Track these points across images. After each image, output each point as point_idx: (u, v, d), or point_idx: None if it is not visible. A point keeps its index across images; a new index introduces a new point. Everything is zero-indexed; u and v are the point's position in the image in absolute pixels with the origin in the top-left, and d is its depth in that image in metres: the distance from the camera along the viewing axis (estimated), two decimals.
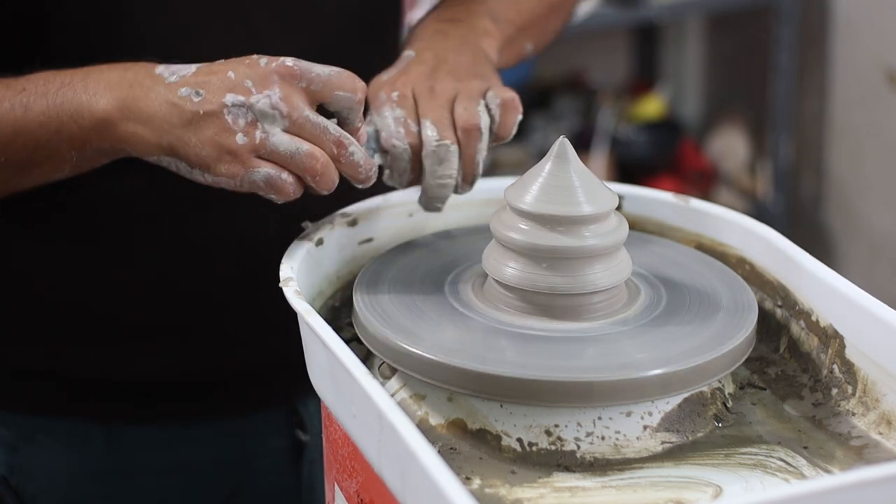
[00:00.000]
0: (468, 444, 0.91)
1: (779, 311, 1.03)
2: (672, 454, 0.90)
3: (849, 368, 0.96)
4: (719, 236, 1.09)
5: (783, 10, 3.10)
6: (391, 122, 1.05)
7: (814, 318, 0.99)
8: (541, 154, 1.03)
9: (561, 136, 0.98)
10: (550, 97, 3.32)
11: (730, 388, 0.97)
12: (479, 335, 0.94)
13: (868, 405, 0.94)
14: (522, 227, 0.95)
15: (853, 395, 0.95)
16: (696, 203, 1.11)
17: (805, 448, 0.91)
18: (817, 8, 3.12)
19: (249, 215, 1.13)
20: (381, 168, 1.05)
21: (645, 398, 0.90)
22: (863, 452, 0.91)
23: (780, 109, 3.16)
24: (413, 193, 1.12)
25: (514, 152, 3.35)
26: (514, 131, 1.07)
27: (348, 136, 0.98)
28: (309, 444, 1.25)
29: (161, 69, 0.98)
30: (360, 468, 0.90)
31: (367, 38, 1.22)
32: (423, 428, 0.92)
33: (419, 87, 1.07)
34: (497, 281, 0.97)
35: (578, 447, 0.90)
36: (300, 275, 0.99)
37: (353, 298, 0.99)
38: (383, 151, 1.05)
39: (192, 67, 0.98)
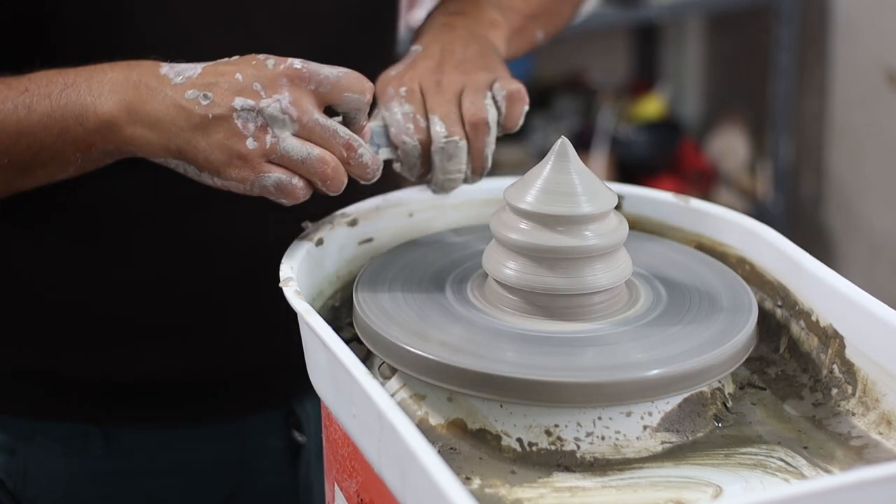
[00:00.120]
0: (468, 444, 0.91)
1: (779, 311, 1.03)
2: (672, 454, 0.90)
3: (849, 368, 0.96)
4: (719, 236, 1.09)
5: (783, 10, 3.10)
6: (400, 118, 1.05)
7: (814, 318, 0.99)
8: (541, 154, 1.03)
9: (561, 136, 0.98)
10: (550, 97, 3.32)
11: (730, 388, 0.97)
12: (480, 335, 0.94)
13: (868, 405, 0.94)
14: (522, 227, 0.95)
15: (853, 395, 0.95)
16: (696, 203, 1.11)
17: (805, 448, 0.91)
18: (817, 8, 3.12)
19: (249, 215, 1.13)
20: (389, 161, 1.05)
21: (645, 398, 0.90)
22: (863, 452, 0.91)
23: (780, 109, 3.16)
24: (413, 193, 1.12)
25: (514, 152, 3.34)
26: (520, 122, 1.08)
27: (357, 137, 0.98)
28: (306, 444, 1.25)
29: (166, 69, 0.98)
30: (360, 468, 0.90)
31: (366, 36, 1.22)
32: (423, 428, 0.92)
33: (426, 81, 1.07)
34: (497, 281, 0.97)
35: (578, 447, 0.90)
36: (300, 275, 0.99)
37: (353, 298, 0.99)
38: (393, 146, 1.05)
39: (198, 68, 0.97)
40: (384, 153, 1.04)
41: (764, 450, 0.90)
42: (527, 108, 1.08)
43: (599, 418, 0.90)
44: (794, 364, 1.01)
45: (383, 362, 0.96)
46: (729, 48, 3.47)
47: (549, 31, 1.27)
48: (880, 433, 0.92)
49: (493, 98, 1.07)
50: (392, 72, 1.10)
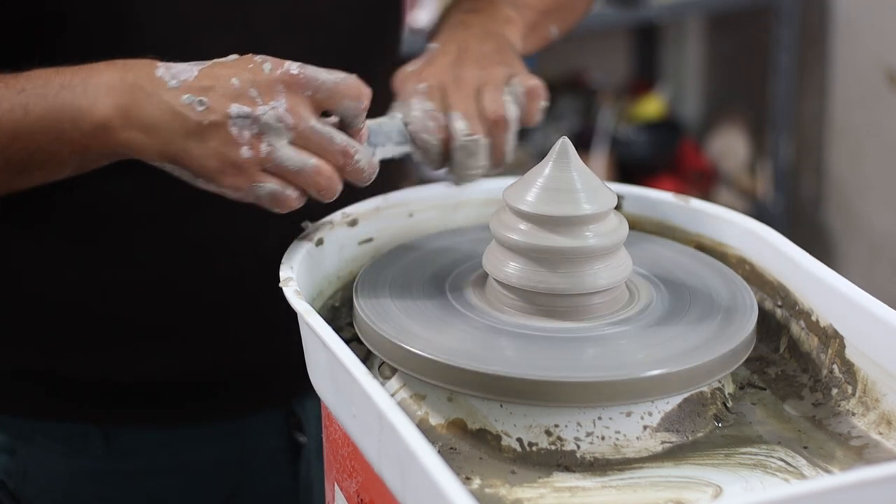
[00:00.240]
0: (468, 444, 0.91)
1: (779, 311, 1.03)
2: (672, 454, 0.90)
3: (849, 368, 0.96)
4: (719, 236, 1.09)
5: (783, 10, 3.10)
6: (420, 114, 1.05)
7: (814, 318, 0.99)
8: (541, 154, 1.03)
9: (562, 136, 0.98)
10: (550, 97, 3.32)
11: (730, 388, 0.97)
12: (479, 335, 0.94)
13: (868, 405, 0.94)
14: (522, 227, 0.95)
15: (853, 395, 0.95)
16: (696, 203, 1.11)
17: (805, 448, 0.91)
18: (817, 8, 3.12)
19: (249, 216, 1.13)
20: (388, 160, 1.04)
21: (645, 398, 0.90)
22: (863, 452, 0.91)
23: (780, 109, 3.16)
24: (413, 193, 1.12)
25: (514, 152, 3.34)
26: (538, 118, 1.09)
27: (354, 143, 0.97)
28: (306, 444, 1.25)
29: (162, 71, 0.96)
30: (360, 468, 0.90)
31: (368, 37, 1.22)
32: (423, 428, 0.92)
33: (445, 77, 1.08)
34: (497, 281, 0.97)
35: (578, 447, 0.90)
36: (300, 275, 0.99)
37: (353, 298, 0.99)
38: (413, 143, 1.05)
39: (194, 70, 0.96)
40: (381, 152, 1.04)
41: (764, 450, 0.90)
42: (545, 103, 1.09)
43: (599, 418, 0.90)
44: (794, 364, 1.01)
45: (383, 362, 0.96)
46: (729, 48, 3.47)
47: (563, 27, 1.28)
48: (880, 433, 0.92)
49: (512, 93, 1.07)
50: (410, 68, 1.11)
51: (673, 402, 0.92)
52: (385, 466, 0.84)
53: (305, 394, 1.20)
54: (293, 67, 0.96)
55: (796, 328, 1.01)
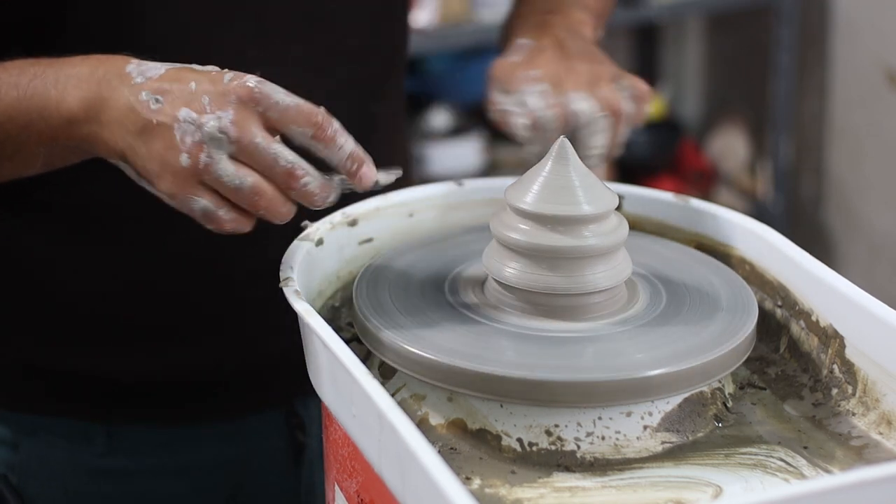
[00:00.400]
0: (468, 444, 0.91)
1: (779, 311, 1.03)
2: (672, 454, 0.90)
3: (849, 368, 0.96)
4: (719, 236, 1.09)
5: (783, 10, 3.10)
6: (536, 95, 1.05)
7: (814, 318, 0.99)
8: (532, 156, 1.04)
9: (561, 136, 0.98)
10: None
11: (730, 388, 0.97)
12: (479, 335, 0.94)
13: (868, 405, 0.94)
14: (522, 227, 0.95)
15: (853, 395, 0.95)
16: (696, 203, 1.11)
17: (805, 448, 0.91)
18: (817, 8, 3.12)
19: None
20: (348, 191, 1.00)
21: (645, 398, 0.90)
22: (863, 452, 0.91)
23: (780, 109, 3.16)
24: (413, 193, 1.12)
25: (514, 152, 3.34)
26: (641, 122, 1.11)
27: (303, 165, 0.93)
28: (308, 445, 1.25)
29: (132, 67, 0.95)
30: (360, 468, 0.90)
31: (378, 35, 1.22)
32: (423, 428, 0.92)
33: (557, 67, 1.08)
34: (497, 281, 0.97)
35: (578, 447, 0.90)
36: (300, 275, 0.99)
37: (353, 298, 0.99)
38: (531, 126, 1.05)
39: (162, 69, 0.95)
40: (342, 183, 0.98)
41: (764, 450, 0.90)
42: (649, 109, 1.10)
43: (599, 418, 0.90)
44: (794, 364, 1.01)
45: (383, 362, 0.96)
46: (729, 48, 3.47)
47: (602, 30, 1.29)
48: (880, 433, 0.92)
49: (623, 91, 1.09)
50: (513, 59, 1.11)
51: (673, 402, 0.92)
52: (385, 466, 0.84)
53: (308, 394, 1.20)
54: (251, 81, 0.93)
55: (796, 328, 1.01)
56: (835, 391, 0.96)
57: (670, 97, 3.47)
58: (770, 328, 1.03)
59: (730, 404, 0.96)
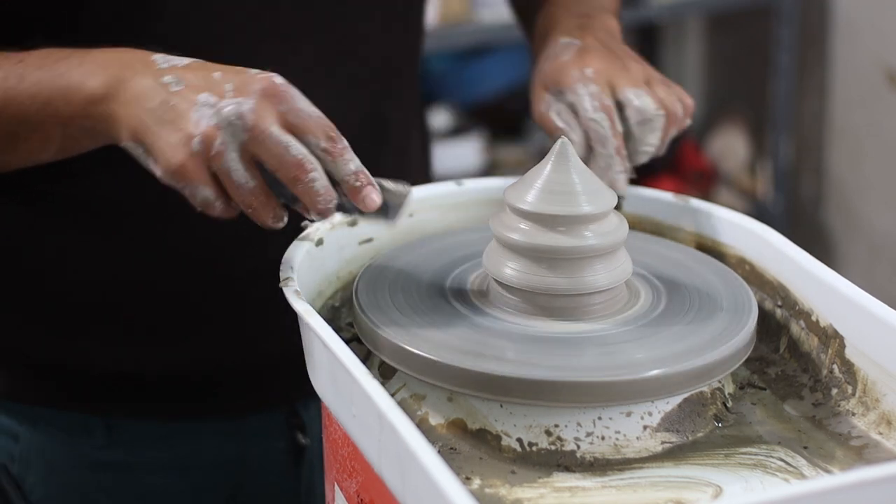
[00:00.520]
0: (468, 444, 0.91)
1: (779, 311, 1.03)
2: (672, 454, 0.90)
3: (849, 368, 0.96)
4: (719, 236, 1.09)
5: (783, 10, 3.10)
6: (587, 98, 1.06)
7: (814, 318, 0.99)
8: (541, 154, 1.03)
9: (561, 136, 0.98)
10: None
11: (730, 388, 0.97)
12: (480, 335, 0.94)
13: (868, 405, 0.94)
14: (522, 227, 0.95)
15: (853, 395, 0.95)
16: (696, 203, 1.11)
17: (805, 448, 0.91)
18: (817, 8, 3.12)
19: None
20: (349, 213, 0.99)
21: (645, 398, 0.90)
22: (863, 452, 0.91)
23: (780, 109, 3.16)
24: (413, 193, 1.12)
25: (514, 152, 3.35)
26: (681, 131, 1.12)
27: (313, 160, 0.93)
28: (309, 446, 1.25)
29: (157, 56, 0.96)
30: (360, 468, 0.90)
31: (395, 35, 1.22)
32: (423, 428, 0.92)
33: (611, 64, 1.09)
34: (497, 281, 0.97)
35: (578, 447, 0.90)
36: (300, 275, 0.99)
37: (353, 298, 0.99)
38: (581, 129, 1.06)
39: (187, 60, 0.96)
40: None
41: (764, 450, 0.90)
42: (689, 122, 1.12)
43: (599, 418, 0.90)
44: (794, 364, 1.01)
45: (383, 362, 0.96)
46: (729, 48, 3.47)
47: None
48: (880, 433, 0.92)
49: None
50: (564, 58, 1.11)
51: (673, 402, 0.92)
52: (385, 466, 0.84)
53: (309, 395, 1.20)
54: (277, 78, 0.93)
55: (796, 328, 1.01)
56: (835, 391, 0.96)
57: None
58: (770, 328, 1.03)
59: (730, 404, 0.96)
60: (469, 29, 2.96)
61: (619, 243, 0.96)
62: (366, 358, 0.97)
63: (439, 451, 0.88)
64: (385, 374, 0.97)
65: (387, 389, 0.93)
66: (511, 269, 0.96)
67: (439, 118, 3.23)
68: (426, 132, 1.39)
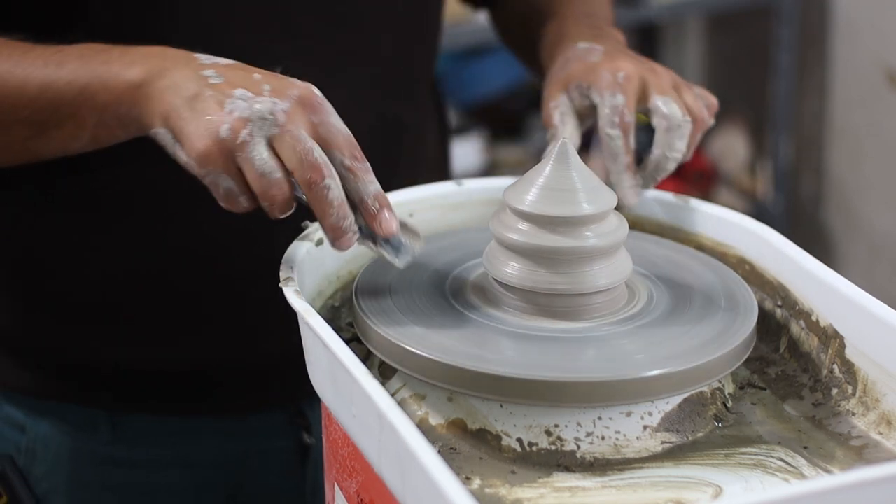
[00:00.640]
0: (468, 444, 0.91)
1: (779, 311, 1.03)
2: (672, 454, 0.90)
3: (849, 368, 0.96)
4: (719, 236, 1.09)
5: (783, 10, 3.10)
6: (608, 109, 1.07)
7: (814, 318, 0.99)
8: (541, 154, 1.03)
9: (562, 137, 0.98)
10: None
11: (730, 388, 0.97)
12: (479, 335, 0.94)
13: (868, 405, 0.94)
14: (522, 227, 0.95)
15: (853, 395, 0.95)
16: (696, 203, 1.11)
17: (805, 448, 0.91)
18: (817, 8, 3.12)
19: (252, 214, 1.14)
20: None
21: (645, 398, 0.90)
22: (863, 452, 0.91)
23: (780, 109, 3.16)
24: (413, 193, 1.12)
25: (514, 152, 3.34)
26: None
27: (332, 170, 0.93)
28: (314, 446, 1.25)
29: (200, 55, 0.98)
30: (360, 468, 0.90)
31: (408, 37, 1.22)
32: (423, 428, 0.92)
33: (641, 67, 1.10)
34: (497, 281, 0.97)
35: (578, 447, 0.90)
36: (300, 275, 0.99)
37: (353, 298, 0.99)
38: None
39: (230, 61, 0.97)
40: (396, 257, 0.98)
41: (764, 450, 0.90)
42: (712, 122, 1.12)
43: (599, 418, 0.90)
44: (794, 364, 1.01)
45: (383, 362, 0.96)
46: (729, 48, 3.47)
47: None
48: (880, 433, 0.92)
49: None
50: (592, 59, 1.12)
51: (673, 402, 0.92)
52: (385, 466, 0.84)
53: (314, 395, 1.21)
54: (316, 90, 0.95)
55: (796, 328, 1.01)
56: (835, 391, 0.96)
57: None
58: (770, 328, 1.03)
59: (730, 404, 0.96)
60: (469, 29, 2.96)
61: (619, 243, 0.96)
62: (366, 358, 0.97)
63: (439, 451, 0.88)
64: (385, 374, 0.97)
65: (387, 389, 0.93)
66: (511, 269, 0.96)
67: None
68: (445, 132, 1.39)
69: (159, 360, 1.19)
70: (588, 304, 0.96)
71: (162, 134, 0.96)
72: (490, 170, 3.21)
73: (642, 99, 1.09)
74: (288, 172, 0.93)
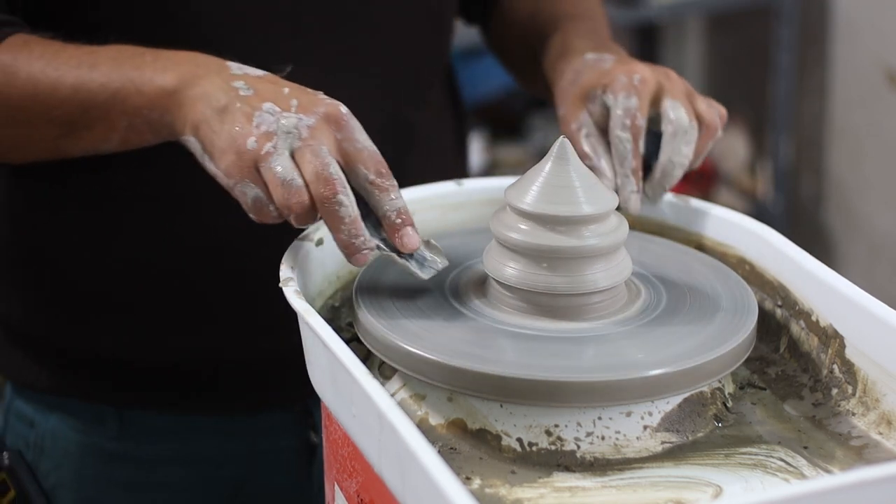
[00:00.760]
0: (468, 444, 0.91)
1: (779, 311, 1.03)
2: (672, 454, 0.90)
3: (849, 368, 0.96)
4: (719, 236, 1.09)
5: (783, 10, 3.10)
6: (621, 110, 1.07)
7: (814, 318, 0.99)
8: (541, 154, 1.03)
9: (561, 136, 0.98)
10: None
11: (730, 388, 0.97)
12: (479, 335, 0.94)
13: (868, 405, 0.94)
14: (522, 227, 0.95)
15: (853, 395, 0.95)
16: (696, 203, 1.11)
17: (805, 448, 0.91)
18: (817, 8, 3.12)
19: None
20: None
21: (645, 398, 0.90)
22: (863, 452, 0.91)
23: (780, 109, 3.16)
24: (413, 193, 1.12)
25: (514, 152, 3.34)
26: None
27: (346, 187, 0.94)
28: (321, 445, 1.25)
29: (232, 63, 0.99)
30: (360, 468, 0.90)
31: (419, 39, 1.22)
32: (423, 428, 0.92)
33: (656, 72, 1.10)
34: (497, 281, 0.97)
35: (578, 447, 0.90)
36: (300, 275, 0.99)
37: (353, 298, 0.99)
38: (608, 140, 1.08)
39: (261, 72, 0.99)
40: (420, 269, 0.98)
41: (764, 450, 0.90)
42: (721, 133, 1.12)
43: (599, 418, 0.90)
44: (794, 364, 1.01)
45: (383, 362, 0.96)
46: (729, 48, 3.47)
47: None
48: (880, 433, 0.92)
49: None
50: (605, 65, 1.12)
51: (673, 402, 0.92)
52: (385, 466, 0.84)
53: None
54: (343, 108, 0.96)
55: (796, 328, 1.01)
56: (835, 391, 0.96)
57: None
58: (770, 328, 1.03)
59: (730, 404, 0.96)
60: (469, 29, 2.95)
61: (619, 243, 0.96)
62: (366, 358, 0.97)
63: (439, 451, 0.88)
64: (385, 374, 0.97)
65: (387, 389, 0.94)
66: (511, 269, 0.96)
67: None
68: (462, 132, 1.39)
69: (169, 357, 1.20)
70: (588, 304, 0.96)
71: (192, 143, 0.98)
72: (490, 170, 3.21)
73: (655, 104, 1.09)
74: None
